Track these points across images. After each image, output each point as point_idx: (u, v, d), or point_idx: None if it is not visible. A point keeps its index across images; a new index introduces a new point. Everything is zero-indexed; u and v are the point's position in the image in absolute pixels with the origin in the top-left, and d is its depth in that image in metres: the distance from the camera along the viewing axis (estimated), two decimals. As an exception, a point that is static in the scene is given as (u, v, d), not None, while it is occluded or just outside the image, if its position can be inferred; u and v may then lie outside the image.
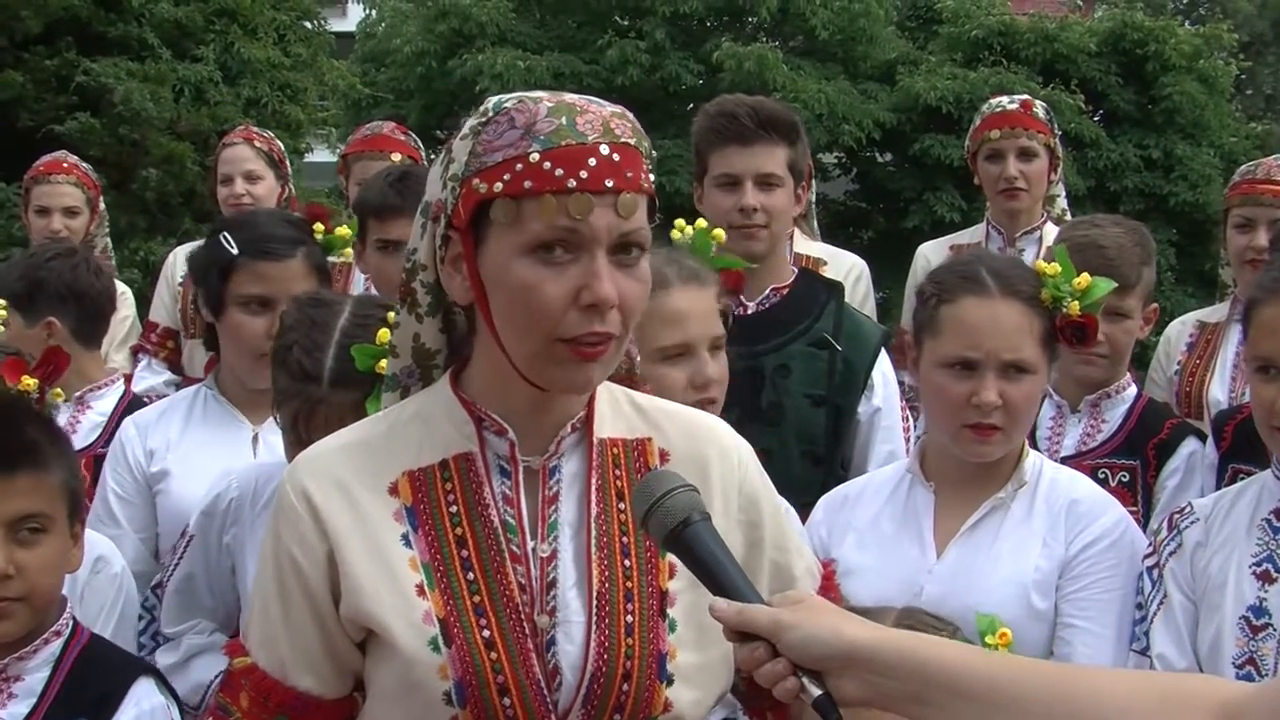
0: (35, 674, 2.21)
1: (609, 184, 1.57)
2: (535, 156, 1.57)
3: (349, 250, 3.11)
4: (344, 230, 3.14)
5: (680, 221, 2.83)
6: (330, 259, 3.40)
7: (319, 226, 3.07)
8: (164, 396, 4.07)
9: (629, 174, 1.59)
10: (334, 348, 2.36)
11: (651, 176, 1.65)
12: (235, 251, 2.94)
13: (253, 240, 2.97)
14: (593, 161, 1.57)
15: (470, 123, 1.65)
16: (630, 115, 1.65)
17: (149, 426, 3.03)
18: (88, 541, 2.38)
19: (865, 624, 1.46)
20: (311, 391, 2.36)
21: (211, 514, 2.70)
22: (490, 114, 1.63)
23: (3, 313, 3.32)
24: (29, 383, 2.63)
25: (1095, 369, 3.16)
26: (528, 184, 1.57)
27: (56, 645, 2.24)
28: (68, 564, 2.28)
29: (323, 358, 2.36)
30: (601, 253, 1.58)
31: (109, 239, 5.26)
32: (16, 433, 2.22)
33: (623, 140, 1.60)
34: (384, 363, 2.21)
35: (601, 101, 1.65)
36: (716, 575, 1.50)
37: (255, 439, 3.01)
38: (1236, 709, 1.32)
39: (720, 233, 2.82)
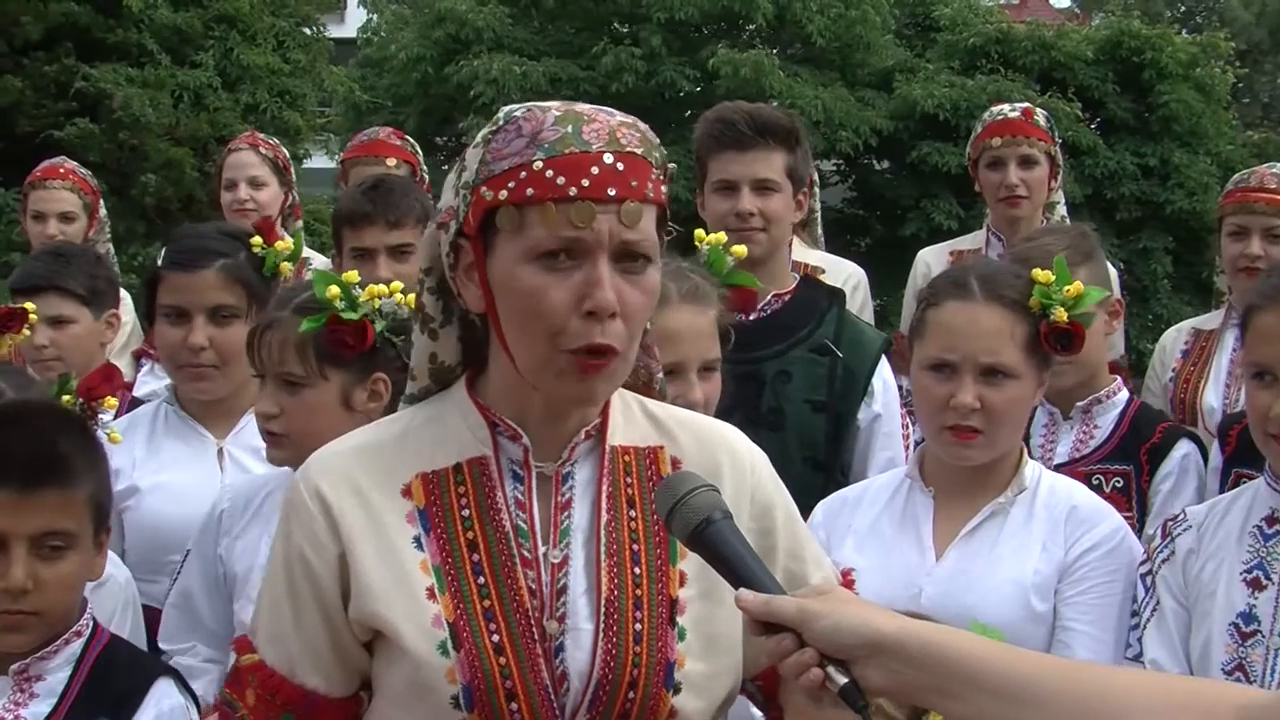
0: (56, 674, 2.21)
1: (611, 192, 1.58)
2: (539, 164, 1.58)
3: (286, 265, 3.09)
4: (283, 243, 3.13)
5: (701, 232, 2.85)
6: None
7: (256, 240, 3.07)
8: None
9: (633, 183, 1.59)
10: (311, 291, 2.54)
11: (664, 188, 1.65)
12: (159, 264, 3.04)
13: (173, 253, 3.04)
14: (595, 170, 1.58)
15: (483, 131, 1.66)
16: (643, 125, 1.65)
17: (111, 444, 3.03)
18: None
19: (892, 615, 1.46)
20: (276, 314, 2.55)
21: (205, 528, 2.74)
22: (501, 123, 1.64)
23: (33, 317, 3.35)
24: (111, 403, 2.71)
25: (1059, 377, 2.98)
26: (530, 191, 1.58)
27: (77, 645, 2.24)
28: (89, 574, 2.27)
29: (300, 294, 2.57)
30: (604, 260, 1.58)
31: (110, 244, 5.27)
32: (47, 446, 2.19)
33: (628, 150, 1.60)
34: (335, 290, 2.45)
35: (614, 111, 1.65)
36: (739, 571, 1.51)
37: (221, 453, 3.04)
38: (1255, 714, 1.32)
39: (721, 236, 2.83)
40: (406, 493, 1.69)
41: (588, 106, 1.65)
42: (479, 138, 1.66)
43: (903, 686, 1.42)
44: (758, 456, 1.82)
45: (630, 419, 1.77)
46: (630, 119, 1.65)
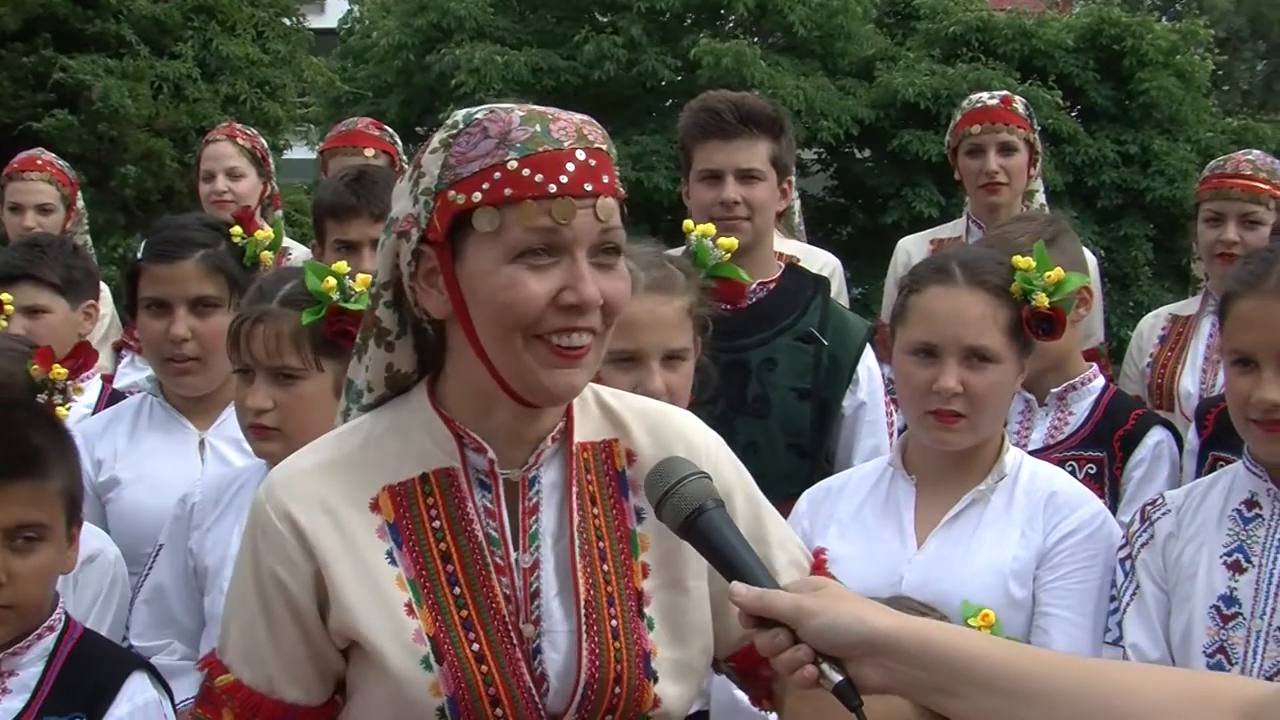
0: (29, 669, 2.21)
1: (588, 188, 1.60)
2: (514, 164, 1.59)
3: (267, 255, 3.08)
4: (263, 233, 3.11)
5: (689, 223, 2.86)
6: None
7: (236, 230, 3.07)
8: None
9: (604, 178, 1.63)
10: (295, 282, 2.51)
11: (618, 181, 1.68)
12: (139, 256, 3.02)
13: (153, 244, 3.03)
14: (571, 166, 1.60)
15: (439, 136, 1.66)
16: (596, 122, 1.68)
17: (96, 436, 3.05)
18: (82, 533, 2.38)
19: (888, 611, 1.45)
20: (263, 307, 2.51)
21: (178, 519, 2.74)
22: (460, 126, 1.64)
23: (9, 308, 3.33)
24: (60, 372, 2.67)
25: None
26: (508, 191, 1.59)
27: (50, 640, 2.24)
28: (61, 567, 2.27)
29: (282, 286, 2.54)
30: (583, 255, 1.61)
31: (88, 235, 5.25)
32: (19, 439, 2.20)
33: (595, 145, 1.64)
34: (331, 281, 2.42)
35: (569, 111, 1.67)
36: (732, 562, 1.51)
37: (202, 444, 3.04)
38: (1260, 707, 1.32)
39: (710, 228, 2.84)
40: (375, 507, 1.69)
41: (542, 107, 1.67)
42: (436, 143, 1.65)
43: (900, 685, 1.42)
44: (713, 442, 1.83)
45: (585, 413, 1.77)
46: (586, 116, 1.67)
